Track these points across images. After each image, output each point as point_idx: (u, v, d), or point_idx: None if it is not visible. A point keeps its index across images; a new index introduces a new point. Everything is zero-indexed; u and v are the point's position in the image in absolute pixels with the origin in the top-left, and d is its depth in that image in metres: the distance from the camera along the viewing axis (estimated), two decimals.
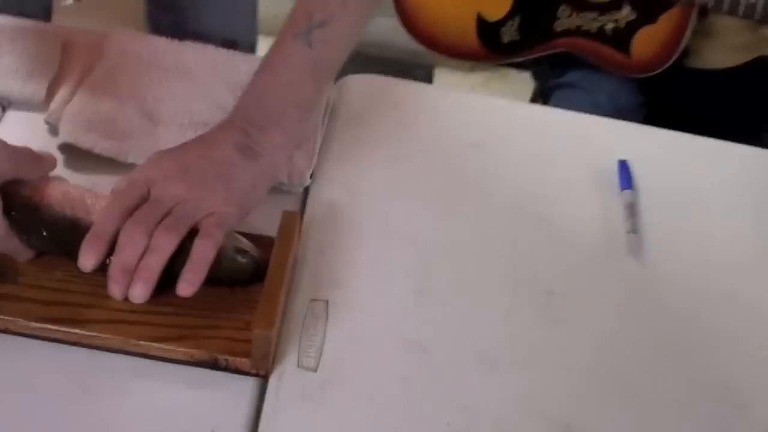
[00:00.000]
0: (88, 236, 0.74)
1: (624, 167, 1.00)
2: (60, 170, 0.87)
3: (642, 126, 1.08)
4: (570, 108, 1.15)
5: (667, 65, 1.29)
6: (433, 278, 0.85)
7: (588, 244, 0.93)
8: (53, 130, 0.91)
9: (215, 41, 1.03)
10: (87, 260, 0.74)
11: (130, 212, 0.75)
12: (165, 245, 0.74)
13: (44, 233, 0.76)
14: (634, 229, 0.94)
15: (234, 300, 0.77)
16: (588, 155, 1.02)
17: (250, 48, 1.42)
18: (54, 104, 0.92)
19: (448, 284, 0.85)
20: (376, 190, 0.93)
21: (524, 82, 1.54)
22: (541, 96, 1.48)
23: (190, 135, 0.89)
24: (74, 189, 0.78)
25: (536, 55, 1.37)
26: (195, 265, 0.74)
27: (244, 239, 0.79)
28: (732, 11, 1.22)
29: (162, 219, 0.75)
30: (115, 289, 0.74)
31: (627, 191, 0.98)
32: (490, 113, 1.05)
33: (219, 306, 0.77)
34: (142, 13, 1.44)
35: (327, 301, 0.81)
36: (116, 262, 0.74)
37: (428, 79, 2.28)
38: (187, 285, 0.74)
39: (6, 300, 0.74)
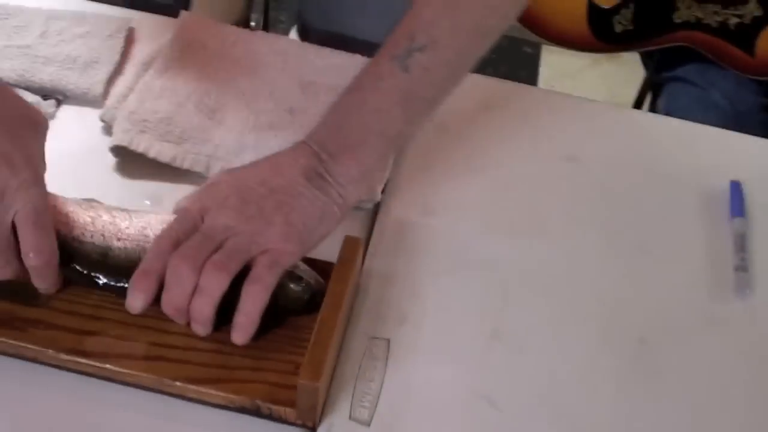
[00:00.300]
0: (136, 274, 0.67)
1: (736, 190, 0.88)
2: (112, 175, 0.82)
3: (760, 139, 0.94)
4: (683, 105, 1.03)
5: None
6: (510, 318, 0.76)
7: (689, 281, 0.82)
8: (108, 129, 0.84)
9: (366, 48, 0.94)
10: (135, 301, 0.67)
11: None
12: (214, 286, 0.66)
13: (76, 267, 0.69)
14: (744, 266, 0.82)
15: (282, 336, 0.70)
16: (696, 172, 0.90)
17: None
18: (110, 101, 0.85)
19: (526, 327, 0.76)
20: (455, 209, 0.84)
21: (636, 65, 1.40)
22: (652, 87, 1.35)
23: (250, 140, 0.83)
24: (105, 212, 0.71)
25: (651, 48, 1.24)
26: (244, 315, 0.66)
27: (302, 264, 0.71)
28: None
29: (213, 253, 0.68)
30: (179, 321, 0.68)
31: (738, 219, 0.86)
32: (589, 120, 0.94)
33: (265, 343, 0.69)
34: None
35: (388, 340, 0.73)
36: (166, 302, 0.67)
37: (536, 56, 2.15)
38: (241, 334, 0.67)
39: (36, 326, 0.68)
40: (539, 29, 1.29)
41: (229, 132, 0.83)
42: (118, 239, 0.70)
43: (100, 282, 0.70)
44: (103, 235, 0.70)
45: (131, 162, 0.82)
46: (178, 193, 0.76)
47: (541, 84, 2.12)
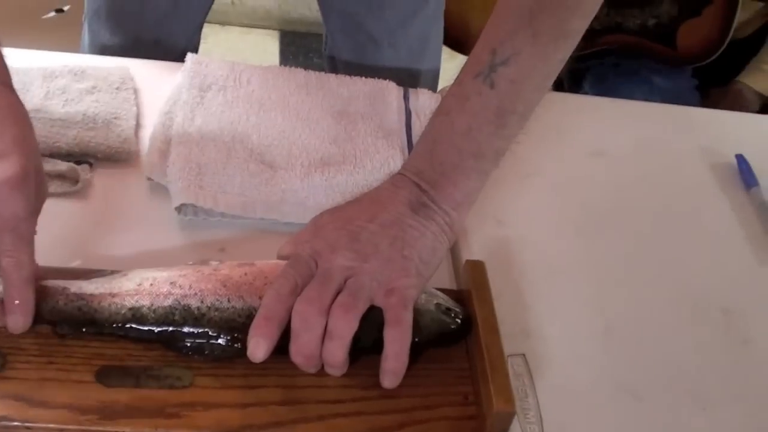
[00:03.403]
0: (256, 320, 0.63)
1: (743, 162, 0.96)
2: (176, 232, 0.76)
3: (751, 115, 1.03)
4: (623, 89, 1.10)
5: (716, 55, 1.27)
6: (613, 312, 0.78)
7: (736, 251, 0.88)
8: (156, 186, 0.78)
9: (395, 80, 0.92)
10: (258, 349, 0.63)
11: (299, 291, 0.65)
12: (345, 329, 0.63)
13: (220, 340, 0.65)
14: None
15: (440, 370, 0.68)
16: (703, 151, 0.97)
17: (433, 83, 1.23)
18: (151, 156, 0.79)
19: (630, 317, 0.78)
20: (522, 217, 0.85)
21: None
22: (570, 77, 1.42)
23: (318, 178, 0.79)
24: (229, 269, 0.67)
25: (578, 53, 1.31)
26: (394, 359, 0.64)
27: (440, 293, 0.70)
28: None
29: (336, 294, 0.65)
30: (308, 370, 0.65)
31: (755, 188, 0.93)
32: (610, 118, 0.99)
33: (428, 380, 0.67)
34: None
35: (524, 355, 0.73)
36: (296, 351, 0.64)
37: None
38: (393, 378, 0.65)
39: (193, 409, 0.62)
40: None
41: (288, 173, 0.80)
42: (259, 296, 0.65)
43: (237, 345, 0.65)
44: (242, 297, 0.65)
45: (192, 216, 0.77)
46: (246, 242, 0.76)
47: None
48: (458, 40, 1.40)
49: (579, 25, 0.74)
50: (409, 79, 1.13)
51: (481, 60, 0.73)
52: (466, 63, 0.75)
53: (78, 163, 0.78)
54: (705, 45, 1.27)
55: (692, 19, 1.26)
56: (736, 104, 1.37)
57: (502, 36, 0.73)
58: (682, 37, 1.28)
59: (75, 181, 0.76)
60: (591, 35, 1.28)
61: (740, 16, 1.30)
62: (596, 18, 1.25)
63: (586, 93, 1.36)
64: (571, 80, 1.42)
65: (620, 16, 1.26)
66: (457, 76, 0.75)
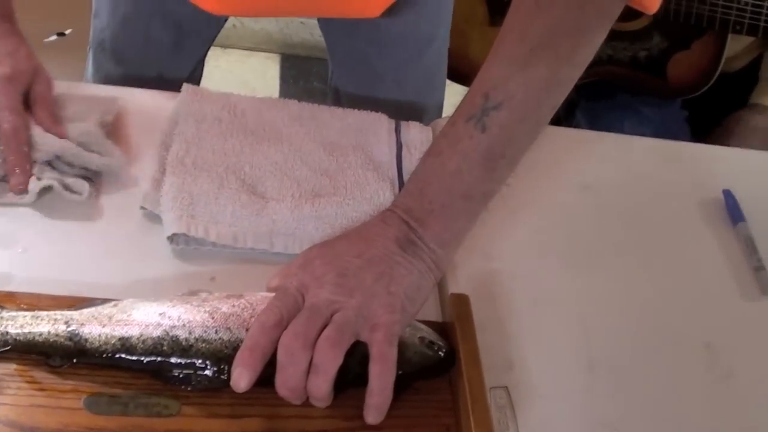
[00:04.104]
0: (241, 351, 0.64)
1: (730, 197, 0.97)
2: (169, 261, 0.77)
3: (738, 149, 1.05)
4: (614, 122, 1.11)
5: (706, 88, 1.29)
6: (596, 346, 0.80)
7: (718, 287, 0.89)
8: (150, 215, 0.80)
9: (400, 115, 0.94)
10: (241, 379, 0.63)
11: (285, 323, 0.66)
12: (330, 363, 0.64)
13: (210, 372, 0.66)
14: (761, 266, 0.91)
15: (423, 401, 0.70)
16: (690, 186, 0.99)
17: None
18: (146, 186, 0.81)
19: (615, 350, 0.80)
20: (514, 251, 0.86)
21: None
22: (564, 108, 1.43)
23: (307, 210, 0.81)
24: (218, 302, 0.69)
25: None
26: (378, 394, 0.65)
27: (424, 326, 0.71)
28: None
29: (322, 328, 0.66)
30: (294, 402, 0.66)
31: (741, 224, 0.95)
32: (598, 152, 1.00)
33: (411, 411, 0.69)
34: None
35: (507, 388, 0.74)
36: (281, 383, 0.65)
37: None
38: (377, 414, 0.65)
39: None
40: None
41: (279, 204, 0.81)
42: (246, 328, 0.66)
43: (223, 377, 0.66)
44: (229, 329, 0.66)
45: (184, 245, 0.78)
46: (237, 272, 0.77)
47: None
48: (458, 71, 1.42)
49: (571, 74, 0.76)
50: (414, 113, 1.14)
51: (473, 103, 0.75)
52: (459, 105, 0.76)
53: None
54: (695, 77, 1.29)
55: (682, 51, 1.28)
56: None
57: (495, 81, 0.74)
58: (672, 69, 1.30)
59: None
60: None
61: (729, 49, 1.31)
62: None
63: (578, 122, 1.37)
64: (565, 110, 1.44)
65: (611, 49, 1.29)
66: (450, 118, 0.76)
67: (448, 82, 1.24)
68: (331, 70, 1.22)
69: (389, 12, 1.05)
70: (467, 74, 1.42)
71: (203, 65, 1.18)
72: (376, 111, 0.93)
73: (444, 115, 1.19)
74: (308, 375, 0.65)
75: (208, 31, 1.14)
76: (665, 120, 1.31)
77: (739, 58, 1.37)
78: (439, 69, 1.20)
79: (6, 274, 0.73)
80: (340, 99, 1.19)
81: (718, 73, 1.28)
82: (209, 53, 1.17)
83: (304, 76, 2.43)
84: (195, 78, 1.16)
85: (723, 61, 1.28)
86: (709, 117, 1.36)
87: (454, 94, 1.23)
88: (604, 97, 1.36)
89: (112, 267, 0.76)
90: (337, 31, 1.16)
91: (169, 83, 1.06)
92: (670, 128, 1.29)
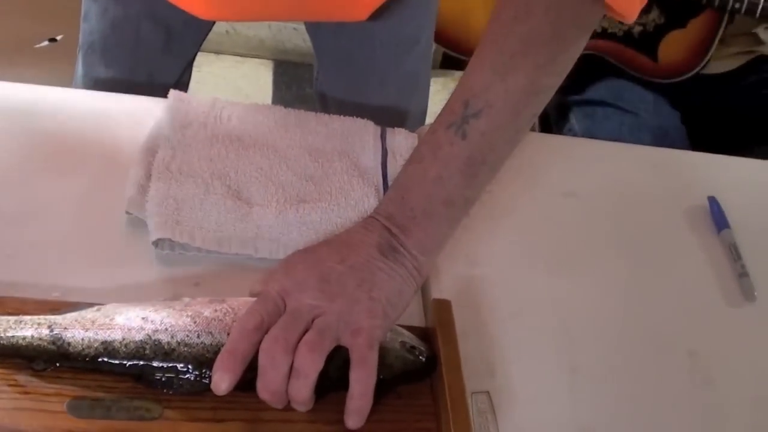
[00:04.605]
0: (221, 354, 0.65)
1: (715, 204, 0.98)
2: (152, 266, 0.78)
3: (723, 156, 1.05)
4: (609, 128, 1.12)
5: (695, 71, 1.28)
6: (579, 351, 0.80)
7: (703, 293, 0.90)
8: (135, 220, 0.80)
9: (384, 117, 0.94)
10: (222, 382, 0.64)
11: (265, 327, 0.66)
12: (310, 367, 0.65)
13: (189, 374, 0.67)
14: (745, 273, 0.91)
15: (404, 405, 0.70)
16: (675, 193, 0.99)
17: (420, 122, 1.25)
18: (130, 190, 0.81)
19: (597, 357, 0.80)
20: (498, 257, 0.87)
21: None
22: (558, 109, 1.44)
23: (292, 215, 0.81)
24: (201, 306, 0.69)
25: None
26: (359, 399, 0.65)
27: (405, 331, 0.72)
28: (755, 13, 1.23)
29: (303, 333, 0.67)
30: (275, 406, 0.66)
31: (726, 231, 0.95)
32: (578, 156, 1.01)
33: (392, 415, 0.69)
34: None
35: (488, 393, 0.75)
36: (262, 387, 0.65)
37: None
38: (358, 419, 0.66)
39: None
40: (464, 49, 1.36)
41: (264, 210, 0.82)
42: (228, 333, 0.67)
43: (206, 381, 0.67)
44: (210, 333, 0.67)
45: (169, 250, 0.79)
46: (221, 277, 0.78)
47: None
48: (457, 42, 1.42)
49: (551, 82, 0.77)
50: (398, 117, 1.16)
51: (454, 111, 0.76)
52: (440, 113, 0.77)
53: None
54: (686, 59, 1.29)
55: (676, 30, 1.28)
56: None
57: (475, 89, 0.75)
58: (664, 48, 1.29)
59: None
60: None
61: (717, 50, 1.32)
62: None
63: (572, 127, 1.37)
64: (558, 114, 1.44)
65: (606, 21, 1.28)
66: (431, 125, 0.77)
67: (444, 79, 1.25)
68: (317, 71, 1.23)
69: (375, 15, 1.06)
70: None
71: (192, 68, 1.18)
72: (361, 113, 0.94)
73: (428, 121, 1.20)
74: (289, 379, 0.65)
75: (197, 34, 1.15)
76: (663, 125, 1.31)
77: (724, 62, 1.36)
78: (423, 72, 1.21)
79: None
80: (327, 104, 1.20)
81: (708, 58, 1.28)
82: (203, 59, 1.18)
83: (297, 82, 2.44)
84: (184, 81, 1.16)
85: (715, 45, 1.27)
86: (701, 123, 1.36)
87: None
88: (600, 103, 1.36)
89: (98, 272, 0.76)
90: (324, 32, 1.17)
91: (158, 86, 1.07)
92: (669, 134, 1.29)
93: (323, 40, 1.19)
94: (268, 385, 0.65)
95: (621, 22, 1.28)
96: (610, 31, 1.29)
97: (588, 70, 1.36)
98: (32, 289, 0.72)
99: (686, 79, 1.32)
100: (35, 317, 0.67)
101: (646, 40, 1.29)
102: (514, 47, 0.74)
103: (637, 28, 1.29)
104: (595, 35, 1.30)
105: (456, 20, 1.38)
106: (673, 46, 1.29)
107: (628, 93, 1.33)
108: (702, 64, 1.29)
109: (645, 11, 1.27)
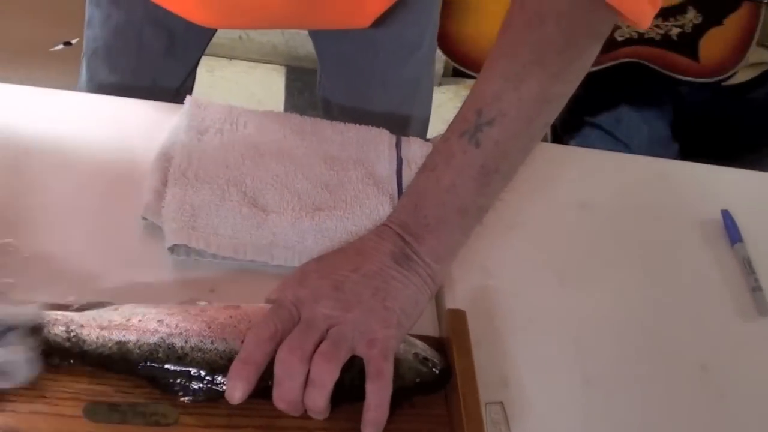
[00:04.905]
0: (236, 363, 0.65)
1: (729, 218, 0.98)
2: (168, 272, 0.78)
3: (735, 170, 1.05)
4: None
5: (738, 67, 1.28)
6: (593, 364, 0.80)
7: (716, 307, 0.90)
8: (151, 226, 0.81)
9: (388, 121, 0.95)
10: (236, 391, 0.64)
11: (280, 337, 0.67)
12: (326, 377, 0.65)
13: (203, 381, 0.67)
14: (759, 287, 0.91)
15: (419, 416, 0.70)
16: (688, 206, 0.99)
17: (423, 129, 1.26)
18: (147, 197, 0.82)
19: (610, 369, 0.80)
20: (511, 268, 0.87)
21: None
22: (562, 124, 1.44)
23: (307, 223, 0.82)
24: (216, 312, 0.70)
25: (599, 67, 1.32)
26: (375, 410, 0.66)
27: (419, 342, 0.72)
28: None
29: (318, 342, 0.67)
30: (291, 414, 0.66)
31: (739, 244, 0.95)
32: (596, 170, 1.01)
33: (406, 425, 0.69)
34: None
35: (502, 403, 0.75)
36: (278, 397, 0.66)
37: None
38: (372, 429, 0.66)
39: None
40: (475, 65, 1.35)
41: (280, 217, 0.82)
42: (242, 340, 0.67)
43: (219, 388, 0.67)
44: (224, 339, 0.67)
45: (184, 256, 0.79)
46: (236, 283, 0.78)
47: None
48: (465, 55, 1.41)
49: (564, 90, 0.77)
50: (401, 122, 1.16)
51: (467, 119, 0.76)
52: (452, 121, 0.77)
53: None
54: (726, 56, 1.28)
55: (714, 28, 1.27)
56: None
57: (488, 97, 0.75)
58: (704, 49, 1.29)
59: None
60: (610, 46, 1.29)
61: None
62: (616, 29, 1.27)
63: (566, 143, 1.38)
64: (566, 126, 1.44)
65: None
66: (444, 133, 0.77)
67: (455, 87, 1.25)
68: (320, 76, 1.24)
69: (378, 21, 1.06)
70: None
71: (195, 72, 1.19)
72: (364, 117, 0.94)
73: (435, 128, 1.20)
74: (305, 388, 0.65)
75: (200, 38, 1.15)
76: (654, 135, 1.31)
77: (743, 71, 1.36)
78: (425, 77, 1.22)
79: (10, 281, 0.73)
80: (330, 109, 1.21)
81: (749, 51, 1.27)
82: (215, 63, 1.18)
83: (310, 88, 2.44)
84: (187, 85, 1.17)
85: (755, 39, 1.27)
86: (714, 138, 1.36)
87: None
88: (594, 113, 1.35)
89: (113, 277, 0.77)
90: (326, 38, 1.18)
91: (162, 90, 1.07)
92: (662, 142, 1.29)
93: (325, 45, 1.19)
94: (284, 395, 0.65)
95: (657, 26, 1.28)
96: (647, 36, 1.28)
97: (593, 89, 1.36)
98: (49, 293, 0.72)
99: (705, 89, 1.32)
100: (52, 312, 0.67)
101: (686, 41, 1.28)
102: (526, 55, 0.74)
103: (675, 30, 1.28)
104: (633, 42, 1.29)
105: (467, 38, 1.38)
106: (714, 45, 1.28)
107: (626, 121, 1.33)
108: (743, 60, 1.28)
109: (681, 12, 1.26)
